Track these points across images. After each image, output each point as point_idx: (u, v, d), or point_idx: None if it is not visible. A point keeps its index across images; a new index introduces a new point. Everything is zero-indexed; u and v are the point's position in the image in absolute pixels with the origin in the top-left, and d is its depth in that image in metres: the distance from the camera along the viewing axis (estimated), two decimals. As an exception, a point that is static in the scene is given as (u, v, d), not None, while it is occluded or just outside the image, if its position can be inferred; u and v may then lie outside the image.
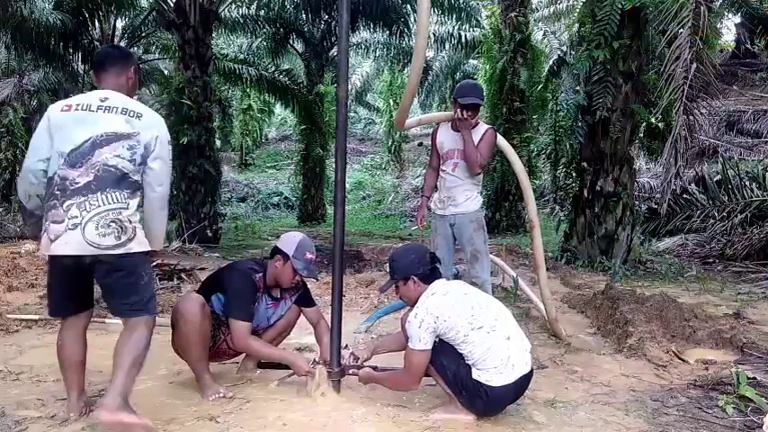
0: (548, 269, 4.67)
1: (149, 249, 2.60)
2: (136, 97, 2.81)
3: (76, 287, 2.61)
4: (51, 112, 2.57)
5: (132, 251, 2.49)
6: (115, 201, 2.45)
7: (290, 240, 3.13)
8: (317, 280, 3.45)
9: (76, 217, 2.39)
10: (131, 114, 2.57)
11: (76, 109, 2.55)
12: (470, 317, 2.66)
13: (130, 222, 2.48)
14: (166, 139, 2.65)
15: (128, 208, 2.49)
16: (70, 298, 2.63)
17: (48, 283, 2.68)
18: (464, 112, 3.95)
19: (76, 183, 2.43)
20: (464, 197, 4.10)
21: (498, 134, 4.18)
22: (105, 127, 2.51)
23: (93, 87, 2.81)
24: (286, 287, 3.21)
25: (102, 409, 2.33)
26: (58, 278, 2.59)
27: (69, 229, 2.39)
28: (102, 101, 2.58)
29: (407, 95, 3.68)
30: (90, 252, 2.40)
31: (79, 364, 2.66)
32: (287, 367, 3.15)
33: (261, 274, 3.13)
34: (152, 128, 2.59)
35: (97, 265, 2.47)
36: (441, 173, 4.20)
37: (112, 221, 2.43)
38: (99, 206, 2.42)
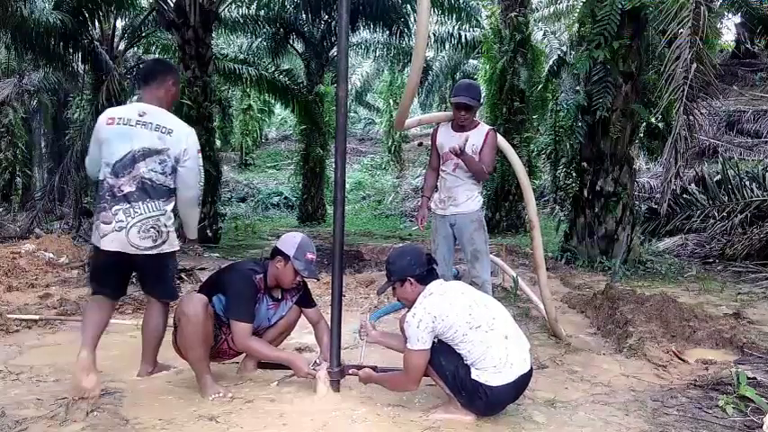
0: (548, 269, 4.67)
1: (177, 249, 3.14)
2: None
3: (114, 276, 3.07)
4: (99, 125, 3.01)
5: (164, 252, 3.02)
6: (155, 209, 2.95)
7: (291, 241, 3.13)
8: (318, 280, 3.46)
9: (122, 221, 2.89)
10: (163, 131, 2.98)
11: (119, 123, 2.97)
12: (468, 316, 2.66)
13: (166, 227, 3.00)
14: (195, 149, 3.07)
15: (165, 213, 2.99)
16: (108, 283, 3.07)
17: (92, 268, 3.29)
18: (459, 113, 3.97)
19: (122, 191, 2.90)
20: (465, 197, 4.10)
21: (498, 134, 4.18)
22: (142, 142, 2.94)
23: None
24: (287, 288, 3.22)
25: (143, 371, 3.21)
26: (102, 266, 3.05)
27: (116, 230, 2.89)
28: (140, 116, 2.98)
29: (407, 95, 3.68)
30: (130, 251, 2.92)
31: (100, 323, 2.98)
32: (287, 367, 3.15)
33: (261, 275, 3.14)
34: (181, 142, 3.01)
35: (136, 260, 2.98)
36: (441, 173, 4.20)
37: (152, 227, 2.94)
38: (142, 214, 2.92)
